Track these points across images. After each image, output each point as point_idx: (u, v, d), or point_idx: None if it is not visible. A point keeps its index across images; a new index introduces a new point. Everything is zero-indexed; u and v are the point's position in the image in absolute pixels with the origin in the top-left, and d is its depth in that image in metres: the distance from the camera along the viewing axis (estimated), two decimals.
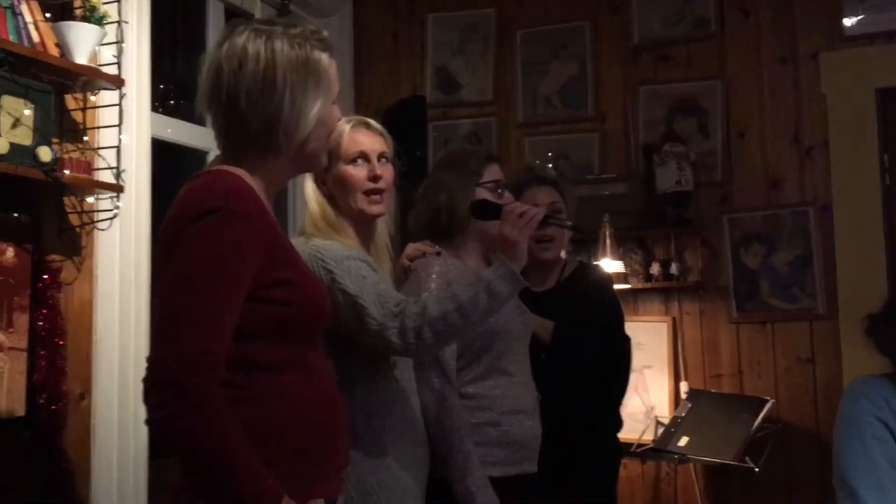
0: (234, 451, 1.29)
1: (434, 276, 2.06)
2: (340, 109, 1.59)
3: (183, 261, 1.35)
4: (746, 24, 3.64)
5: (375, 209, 1.97)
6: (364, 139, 1.98)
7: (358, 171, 1.96)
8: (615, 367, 2.54)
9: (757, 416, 3.18)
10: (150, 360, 1.33)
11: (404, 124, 3.26)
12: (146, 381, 1.32)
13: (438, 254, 2.15)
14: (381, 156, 1.99)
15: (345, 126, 1.98)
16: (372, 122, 2.05)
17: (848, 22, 3.46)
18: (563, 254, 2.65)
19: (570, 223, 2.32)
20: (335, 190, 1.98)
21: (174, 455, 1.33)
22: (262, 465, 1.32)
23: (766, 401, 3.26)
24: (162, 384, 1.29)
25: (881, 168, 3.39)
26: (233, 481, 1.29)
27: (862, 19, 3.45)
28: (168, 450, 1.33)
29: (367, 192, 1.95)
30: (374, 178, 1.96)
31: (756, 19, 3.63)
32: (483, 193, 2.13)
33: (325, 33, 1.56)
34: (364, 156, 1.97)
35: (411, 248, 2.21)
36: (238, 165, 1.49)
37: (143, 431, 2.67)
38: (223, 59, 1.47)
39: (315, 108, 1.48)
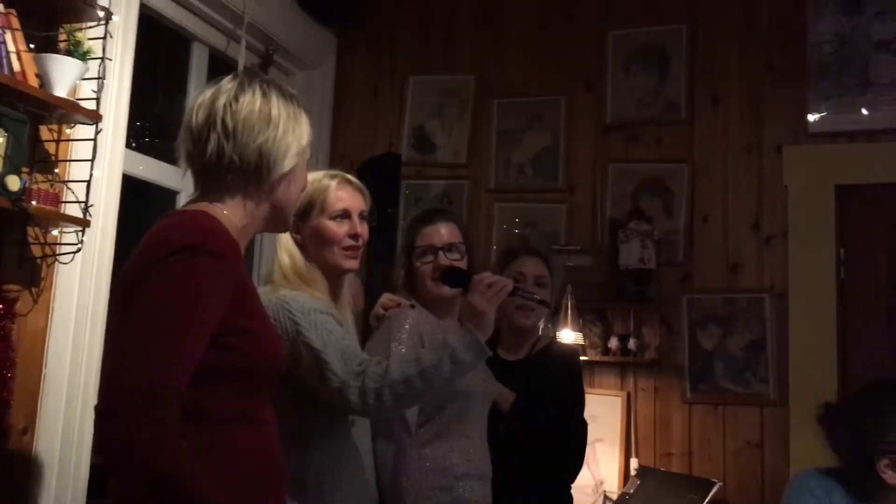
0: (194, 480, 1.27)
1: (406, 326, 2.09)
2: (316, 158, 1.63)
3: (156, 291, 1.34)
4: (715, 112, 3.76)
5: (350, 264, 2.02)
6: (347, 196, 2.03)
7: (339, 228, 2.00)
8: (568, 450, 2.54)
9: (704, 498, 3.19)
10: (109, 387, 1.30)
11: (378, 180, 3.29)
12: (101, 408, 1.28)
13: (412, 306, 2.17)
14: (360, 213, 2.04)
15: (330, 181, 2.03)
16: (353, 178, 2.10)
17: (812, 118, 3.59)
18: (539, 326, 2.67)
19: (537, 297, 2.34)
20: (310, 241, 2.01)
21: (129, 483, 1.29)
22: (223, 493, 1.30)
23: (714, 483, 3.27)
24: (121, 412, 1.26)
25: (836, 261, 3.49)
26: None
27: (825, 117, 3.58)
28: (122, 477, 1.30)
29: (345, 248, 1.99)
30: (355, 237, 2.01)
31: (725, 108, 3.75)
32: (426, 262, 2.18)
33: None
34: (347, 213, 2.02)
35: (386, 297, 2.24)
36: (217, 202, 1.50)
37: (84, 469, 2.62)
38: (218, 94, 1.51)
39: (296, 150, 1.54)
